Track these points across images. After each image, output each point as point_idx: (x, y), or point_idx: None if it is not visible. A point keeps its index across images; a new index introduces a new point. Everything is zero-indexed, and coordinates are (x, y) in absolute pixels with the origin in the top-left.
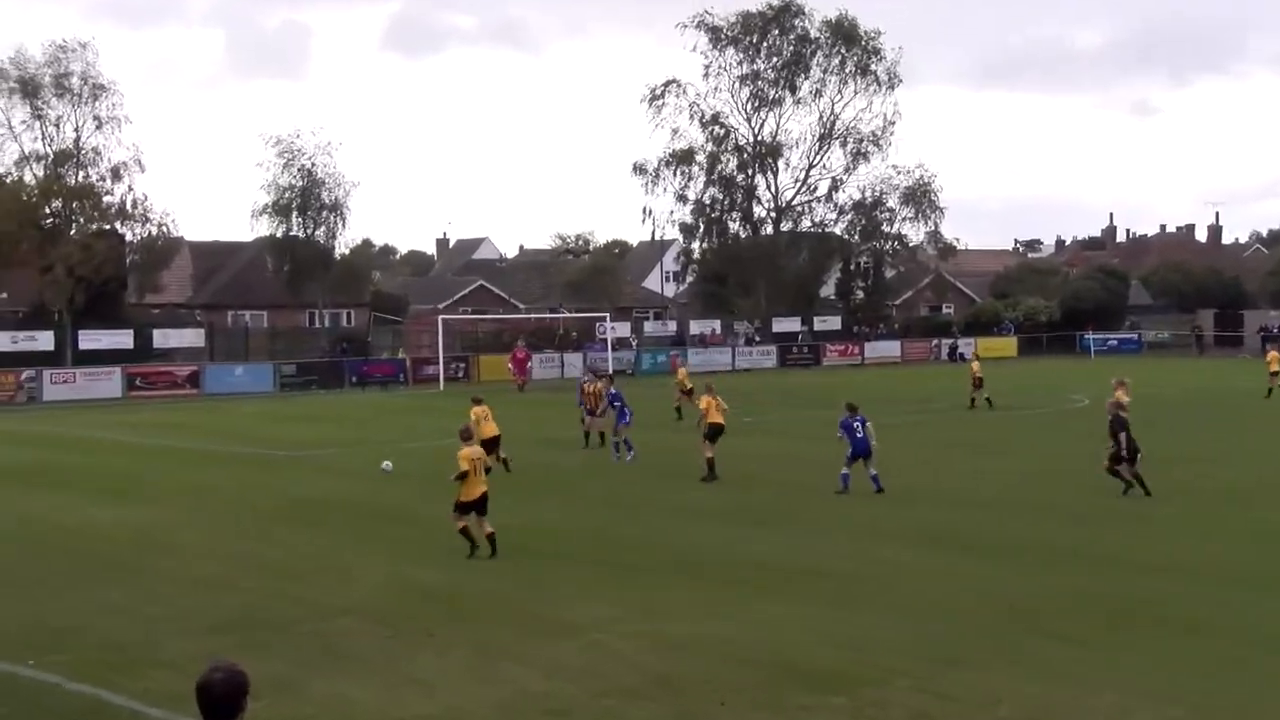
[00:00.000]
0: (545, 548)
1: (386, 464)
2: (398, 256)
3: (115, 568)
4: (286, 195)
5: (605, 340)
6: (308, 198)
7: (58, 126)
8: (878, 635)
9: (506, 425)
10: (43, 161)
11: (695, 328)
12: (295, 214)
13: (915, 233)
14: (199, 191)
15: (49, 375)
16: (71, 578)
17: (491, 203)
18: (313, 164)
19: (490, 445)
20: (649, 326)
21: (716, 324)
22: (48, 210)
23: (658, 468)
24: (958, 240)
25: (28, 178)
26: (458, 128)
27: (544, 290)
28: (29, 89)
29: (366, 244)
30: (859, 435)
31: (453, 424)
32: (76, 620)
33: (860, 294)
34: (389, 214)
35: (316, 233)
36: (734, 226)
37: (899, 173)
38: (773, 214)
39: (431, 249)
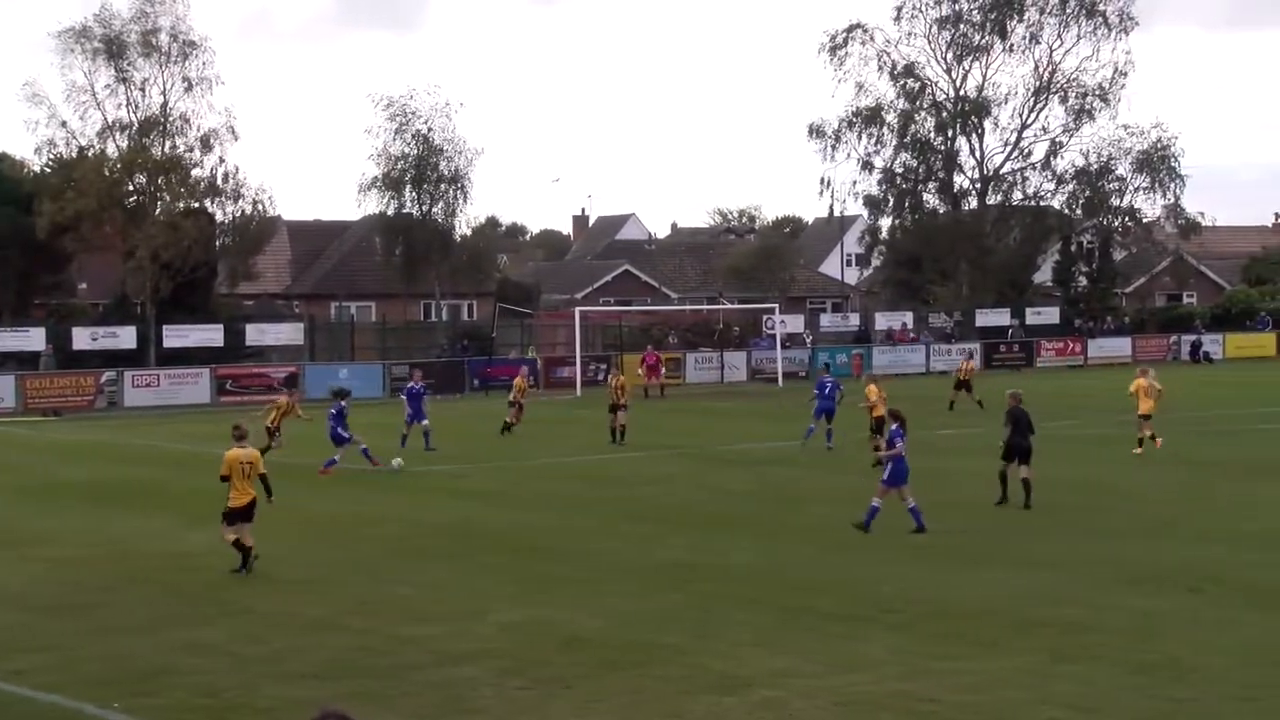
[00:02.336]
0: (719, 588)
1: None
2: (528, 237)
3: (210, 602)
4: (399, 166)
5: (774, 335)
6: (423, 169)
7: (143, 90)
8: (1119, 700)
9: (653, 434)
10: (127, 131)
11: (882, 321)
12: (409, 188)
13: (1151, 206)
14: (298, 164)
15: (131, 378)
16: (162, 612)
17: (639, 174)
18: (429, 129)
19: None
20: (826, 320)
21: (908, 317)
22: (131, 186)
23: (857, 495)
24: (1203, 215)
25: (110, 150)
26: (599, 85)
27: (701, 277)
28: (114, 49)
29: (491, 223)
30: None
31: (595, 436)
32: (167, 660)
33: (1083, 281)
34: (518, 188)
35: (434, 210)
36: (930, 200)
37: (1131, 134)
38: (977, 184)
39: (567, 228)
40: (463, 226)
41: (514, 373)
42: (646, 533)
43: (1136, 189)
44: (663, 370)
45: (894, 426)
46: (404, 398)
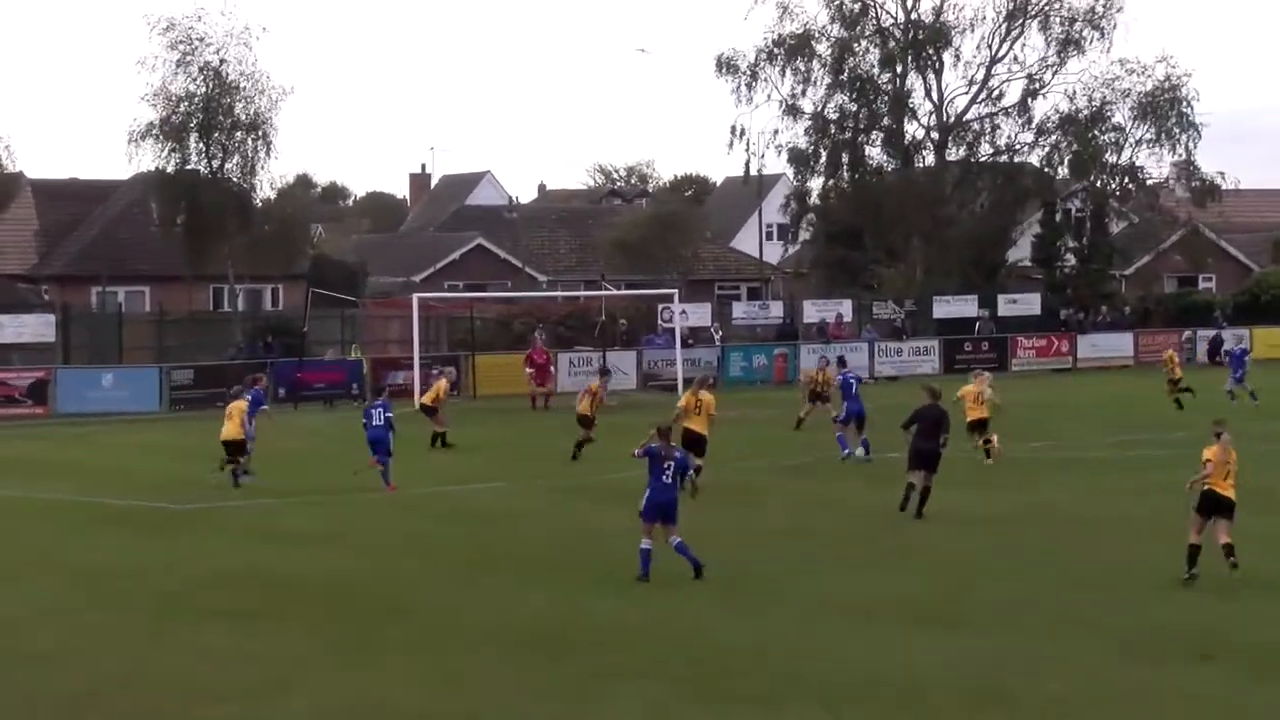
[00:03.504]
0: (596, 657)
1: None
2: (351, 202)
3: None
4: (182, 109)
5: (673, 330)
6: (214, 113)
7: None
8: None
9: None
10: None
11: (812, 312)
12: (195, 138)
13: (1157, 164)
14: (48, 107)
15: None
16: None
17: (496, 120)
18: (222, 61)
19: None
20: (740, 310)
21: (845, 307)
22: None
23: (775, 537)
24: (1223, 176)
25: None
26: (444, 6)
27: (577, 254)
28: None
29: (303, 183)
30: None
31: (439, 459)
32: None
33: (1071, 260)
34: (338, 138)
35: (227, 166)
36: (874, 154)
37: (1131, 72)
38: (934, 134)
39: (403, 190)
40: (266, 188)
41: (334, 377)
42: (504, 584)
43: (1138, 142)
44: (553, 371)
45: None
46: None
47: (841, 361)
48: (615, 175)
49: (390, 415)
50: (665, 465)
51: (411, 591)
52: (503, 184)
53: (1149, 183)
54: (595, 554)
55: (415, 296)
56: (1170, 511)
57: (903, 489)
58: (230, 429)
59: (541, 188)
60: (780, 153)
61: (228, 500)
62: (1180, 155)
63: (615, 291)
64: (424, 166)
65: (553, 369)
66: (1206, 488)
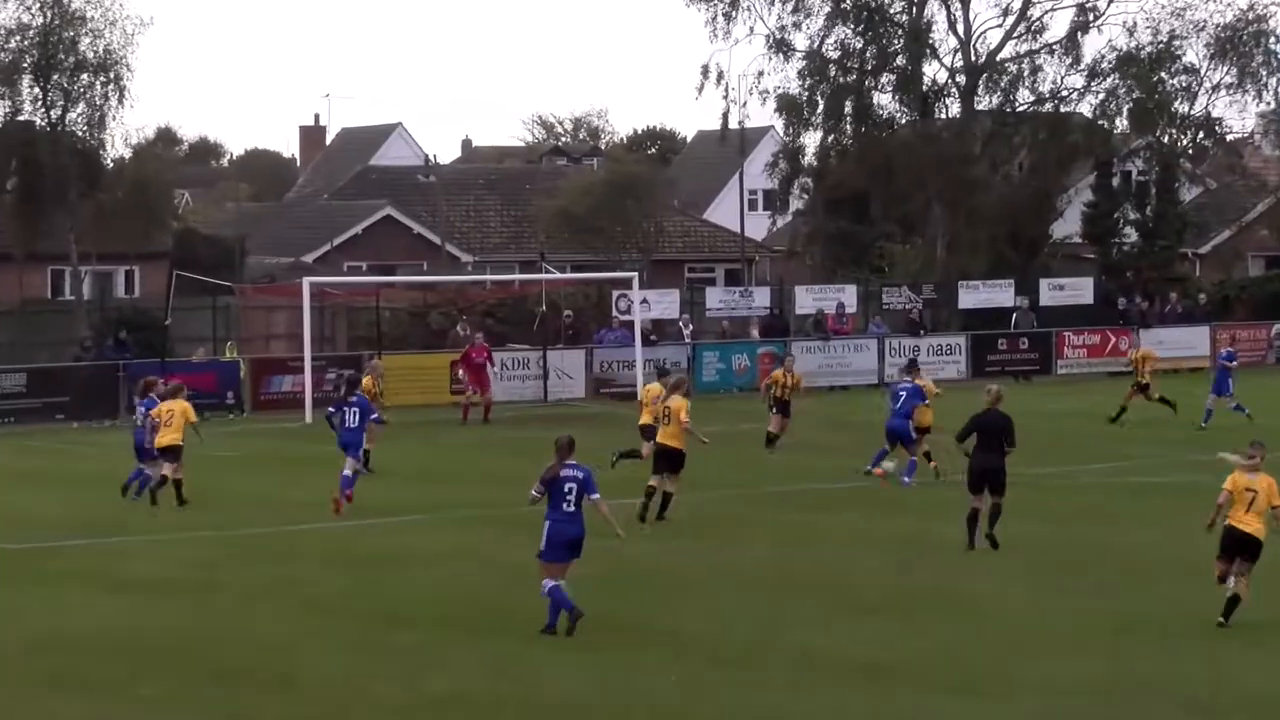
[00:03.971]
0: None
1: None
2: (226, 161)
3: None
4: (12, 45)
5: (631, 324)
6: (53, 49)
7: None
8: None
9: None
10: None
11: (807, 301)
12: (28, 81)
13: (1238, 115)
14: None
15: None
16: None
17: (408, 62)
18: None
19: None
20: (717, 298)
21: (849, 294)
22: None
23: (748, 577)
24: None
25: None
26: None
27: (511, 227)
28: None
29: (166, 139)
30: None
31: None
32: None
33: (1131, 235)
34: (209, 82)
35: (70, 117)
36: (884, 102)
37: None
38: (960, 77)
39: (291, 147)
40: (118, 144)
41: (203, 383)
42: (417, 644)
43: (1215, 87)
44: (491, 372)
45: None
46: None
47: (910, 366)
48: (559, 129)
49: (376, 416)
50: (565, 489)
51: (300, 656)
52: (417, 140)
53: (1229, 138)
54: (532, 605)
55: (306, 281)
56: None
57: (964, 517)
58: (170, 435)
59: (466, 144)
60: (766, 100)
61: (71, 538)
62: (1268, 104)
63: (559, 275)
64: (318, 118)
65: (492, 367)
66: (1228, 524)
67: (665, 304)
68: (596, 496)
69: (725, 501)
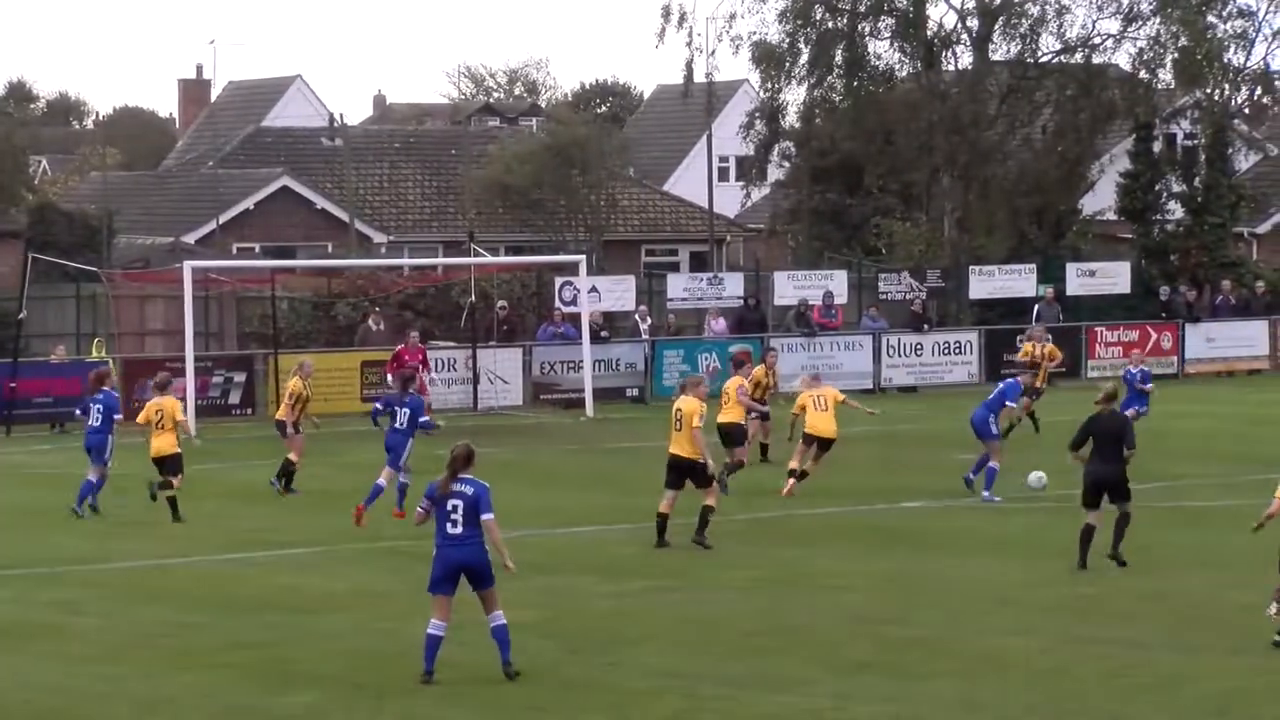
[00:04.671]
0: None
1: None
2: (91, 122)
3: None
4: None
5: (578, 315)
6: None
7: None
8: None
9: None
10: None
11: (788, 289)
12: None
13: None
14: None
15: None
16: None
17: (306, 2)
18: None
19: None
20: (681, 286)
21: (839, 281)
22: None
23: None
24: None
25: None
26: None
27: (434, 201)
28: None
29: (19, 95)
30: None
31: (233, 514)
32: None
33: (1176, 211)
34: (69, 29)
35: None
36: (881, 50)
37: None
38: (971, 21)
39: (169, 105)
40: None
41: (64, 388)
42: (312, 708)
43: (1276, 34)
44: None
45: None
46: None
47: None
48: (490, 83)
49: (426, 419)
50: (449, 508)
51: (164, 716)
52: (320, 96)
53: None
54: (454, 659)
55: (188, 265)
56: None
57: (1078, 534)
58: (163, 440)
59: (380, 101)
60: (739, 48)
61: None
62: None
63: (491, 259)
64: (200, 70)
65: (430, 375)
66: None
67: (619, 293)
68: (489, 517)
69: (690, 532)
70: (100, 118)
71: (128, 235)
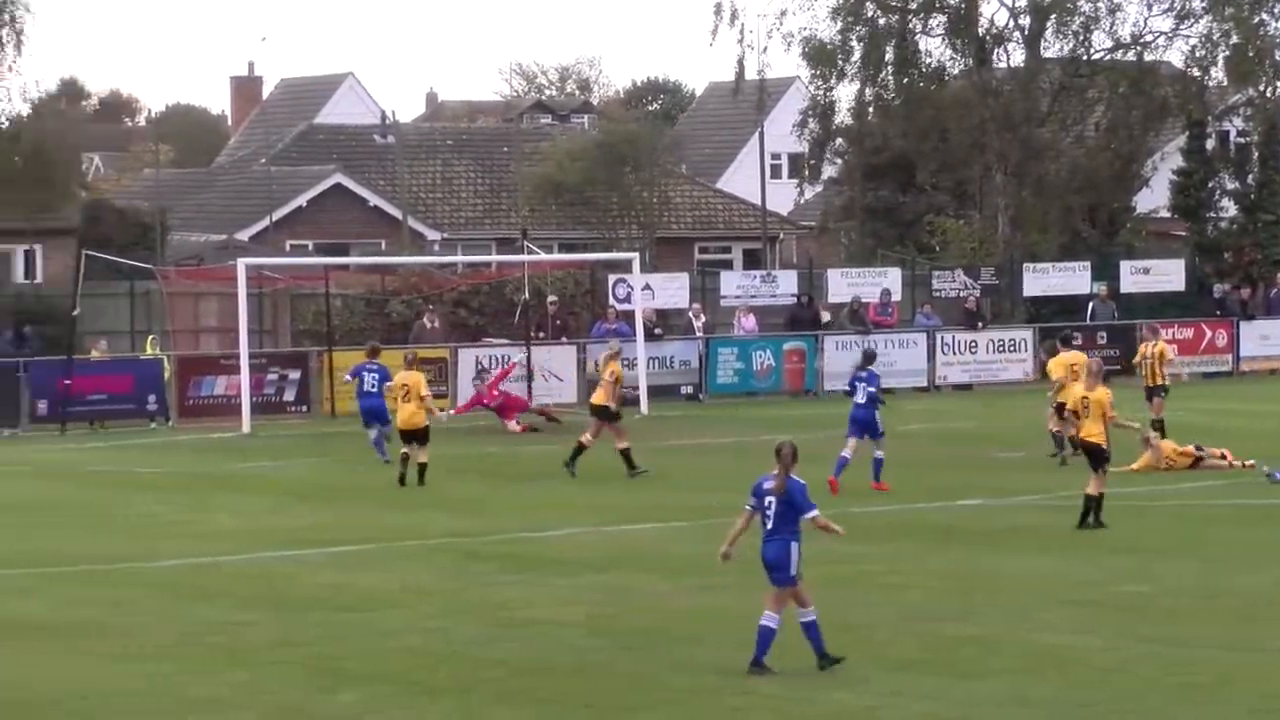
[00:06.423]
0: None
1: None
2: (143, 119)
3: None
4: None
5: (632, 312)
6: None
7: None
8: None
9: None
10: None
11: (841, 287)
12: None
13: None
14: None
15: None
16: None
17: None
18: None
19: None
20: (735, 283)
21: (893, 279)
22: None
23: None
24: None
25: None
26: None
27: (486, 199)
28: None
29: (70, 92)
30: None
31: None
32: None
33: (1230, 209)
34: (123, 26)
35: None
36: (934, 47)
37: None
38: (1023, 18)
39: (221, 102)
40: (14, 100)
41: (113, 386)
42: (362, 705)
43: None
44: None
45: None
46: None
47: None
48: (542, 81)
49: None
50: (766, 505)
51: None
52: (372, 93)
53: None
54: (503, 656)
55: (241, 263)
56: None
57: None
58: (411, 412)
59: (431, 99)
60: (791, 45)
61: None
62: None
63: (544, 256)
64: (253, 67)
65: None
66: None
67: (672, 291)
68: (813, 514)
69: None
70: (152, 115)
71: (181, 232)
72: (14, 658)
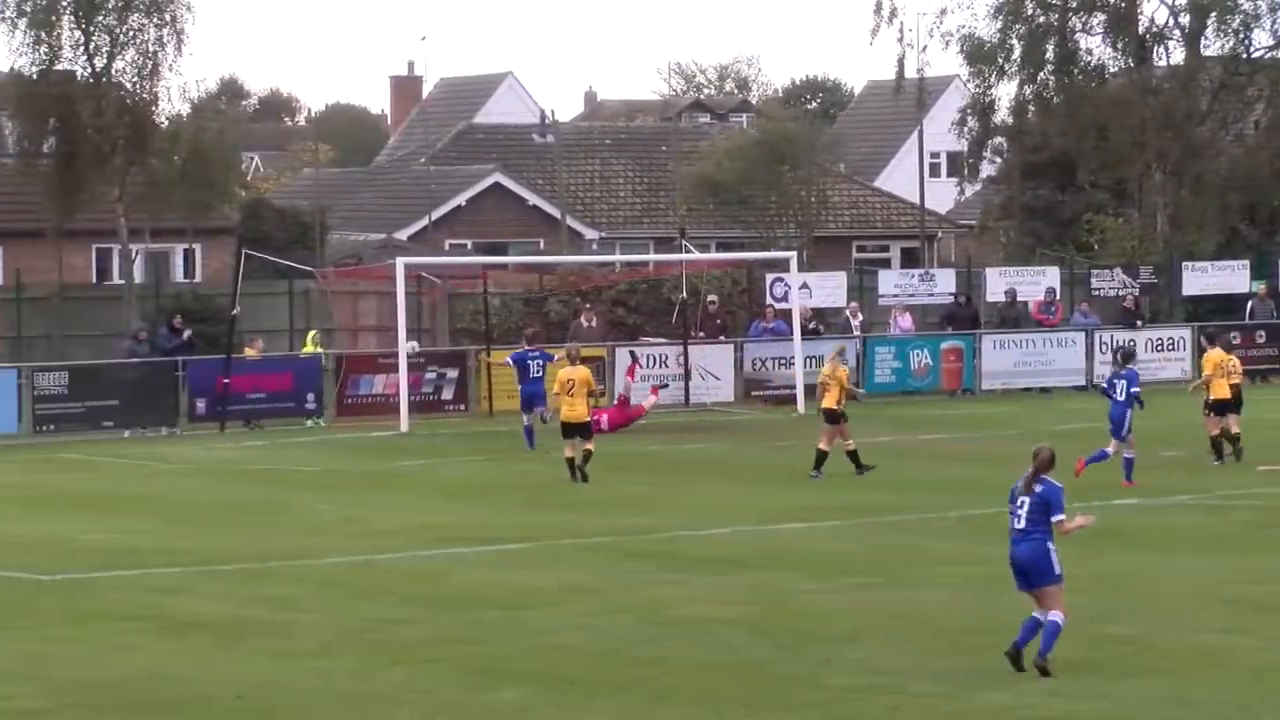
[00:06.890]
0: None
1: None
2: (302, 119)
3: None
4: None
5: (789, 311)
6: None
7: None
8: None
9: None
10: None
11: (999, 285)
12: (69, 22)
13: None
14: None
15: None
16: None
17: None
18: None
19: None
20: (891, 282)
21: (1051, 277)
22: None
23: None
24: None
25: None
26: None
27: (644, 198)
28: None
29: (231, 93)
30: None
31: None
32: None
33: None
34: (283, 25)
35: (117, 66)
36: (1094, 46)
37: None
38: (1183, 18)
39: (381, 102)
40: (174, 99)
41: (272, 384)
42: (522, 703)
43: None
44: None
45: None
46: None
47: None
48: (700, 80)
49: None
50: (1019, 504)
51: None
52: (531, 92)
53: None
54: (662, 656)
55: (400, 262)
56: None
57: None
58: (575, 406)
59: (590, 98)
60: (950, 44)
61: (116, 569)
62: None
63: (701, 255)
64: (412, 66)
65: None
66: None
67: (829, 289)
68: (1060, 517)
69: (901, 530)
70: (311, 114)
71: (340, 232)
72: (176, 655)
